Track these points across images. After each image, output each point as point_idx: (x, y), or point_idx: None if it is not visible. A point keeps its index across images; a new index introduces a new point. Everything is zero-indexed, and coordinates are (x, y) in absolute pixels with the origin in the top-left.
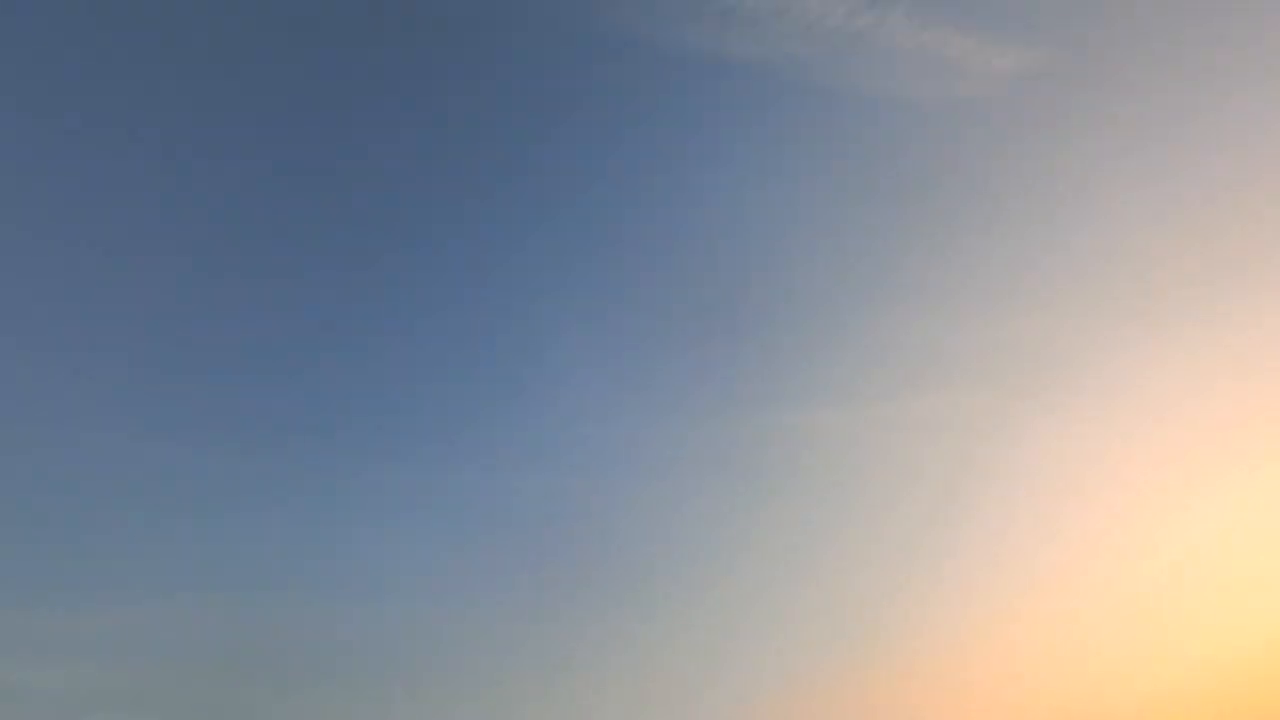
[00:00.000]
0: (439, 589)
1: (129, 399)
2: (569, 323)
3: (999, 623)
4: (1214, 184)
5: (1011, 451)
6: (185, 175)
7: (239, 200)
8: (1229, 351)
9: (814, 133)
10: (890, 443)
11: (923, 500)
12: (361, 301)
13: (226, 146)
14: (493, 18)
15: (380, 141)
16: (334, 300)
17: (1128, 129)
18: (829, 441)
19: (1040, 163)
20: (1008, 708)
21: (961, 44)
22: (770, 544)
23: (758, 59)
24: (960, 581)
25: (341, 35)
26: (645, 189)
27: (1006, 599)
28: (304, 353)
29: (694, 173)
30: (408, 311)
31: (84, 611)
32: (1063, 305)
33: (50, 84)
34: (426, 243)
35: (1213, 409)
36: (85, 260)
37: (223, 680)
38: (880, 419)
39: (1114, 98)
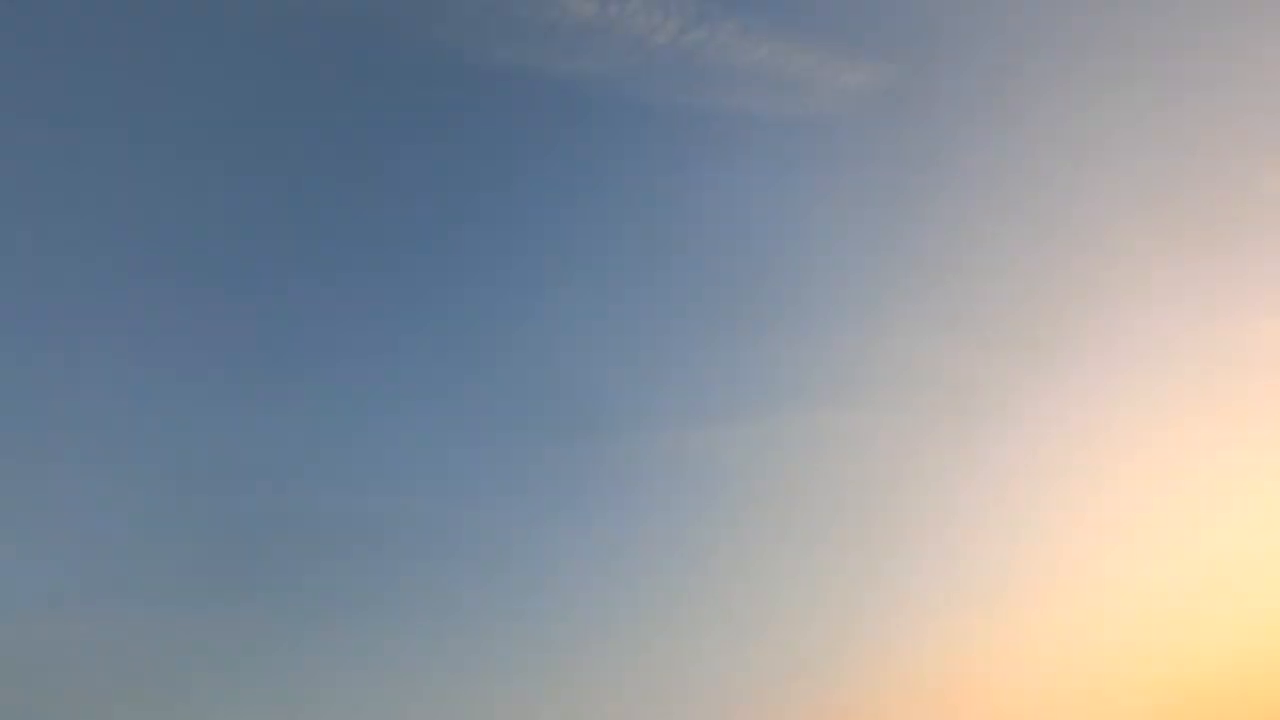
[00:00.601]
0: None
1: None
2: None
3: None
4: (1067, 195)
5: (894, 468)
6: None
7: None
8: (1114, 364)
9: (650, 150)
10: (773, 458)
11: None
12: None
13: None
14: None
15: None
16: None
17: (981, 144)
18: (714, 456)
19: (896, 175)
20: None
21: (810, 60)
22: (679, 561)
23: (584, 75)
24: (876, 597)
25: None
26: (474, 206)
27: (933, 615)
28: None
29: (533, 191)
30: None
31: None
32: (927, 321)
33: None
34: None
35: (1098, 429)
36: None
37: None
38: (760, 435)
39: (965, 114)
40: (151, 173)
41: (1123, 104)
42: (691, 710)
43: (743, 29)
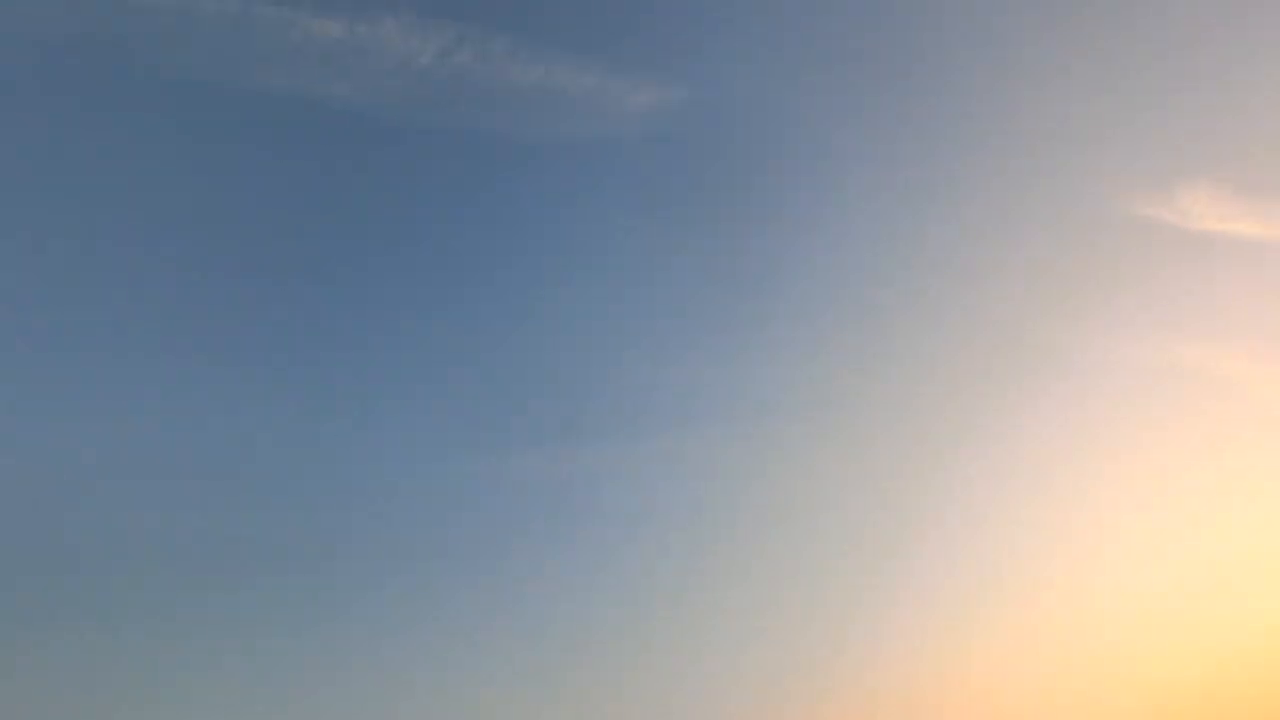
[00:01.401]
0: None
1: None
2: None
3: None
4: (864, 206)
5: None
6: None
7: None
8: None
9: (427, 176)
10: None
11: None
12: None
13: None
14: None
15: None
16: None
17: (770, 163)
18: (589, 480)
19: (686, 195)
20: None
21: (591, 81)
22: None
23: (342, 100)
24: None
25: None
26: (233, 238)
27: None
28: None
29: (299, 223)
30: None
31: None
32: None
33: None
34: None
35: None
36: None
37: None
38: (634, 457)
39: (758, 132)
40: None
41: (922, 118)
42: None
43: (511, 50)
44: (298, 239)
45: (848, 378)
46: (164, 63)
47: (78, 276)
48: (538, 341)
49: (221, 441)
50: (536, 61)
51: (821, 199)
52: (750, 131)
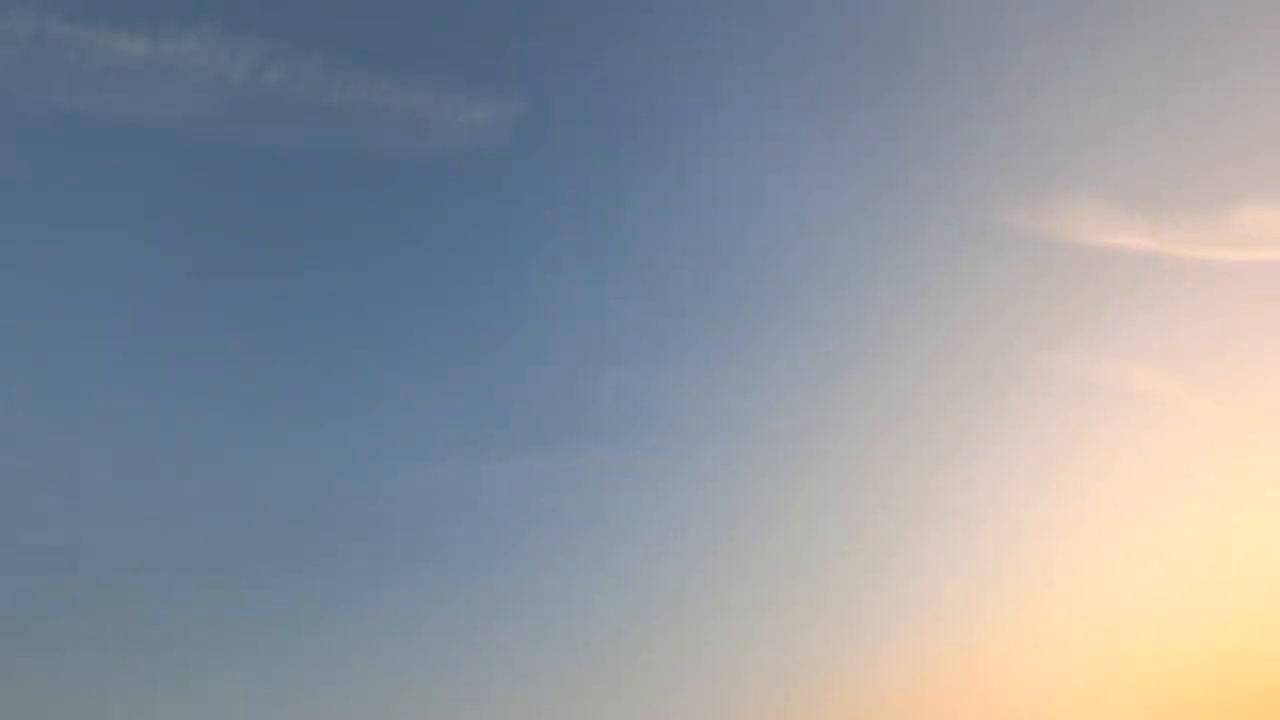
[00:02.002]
0: None
1: None
2: None
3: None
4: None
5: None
6: None
7: None
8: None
9: (256, 192)
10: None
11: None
12: None
13: None
14: None
15: None
16: None
17: (612, 179)
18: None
19: (523, 210)
20: None
21: (422, 98)
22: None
23: (154, 119)
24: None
25: None
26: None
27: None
28: None
29: (117, 245)
30: None
31: None
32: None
33: None
34: None
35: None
36: None
37: None
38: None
39: (595, 148)
40: None
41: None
42: None
43: (329, 66)
44: (107, 262)
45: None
46: None
47: None
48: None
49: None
50: (359, 77)
51: (664, 211)
52: (589, 147)
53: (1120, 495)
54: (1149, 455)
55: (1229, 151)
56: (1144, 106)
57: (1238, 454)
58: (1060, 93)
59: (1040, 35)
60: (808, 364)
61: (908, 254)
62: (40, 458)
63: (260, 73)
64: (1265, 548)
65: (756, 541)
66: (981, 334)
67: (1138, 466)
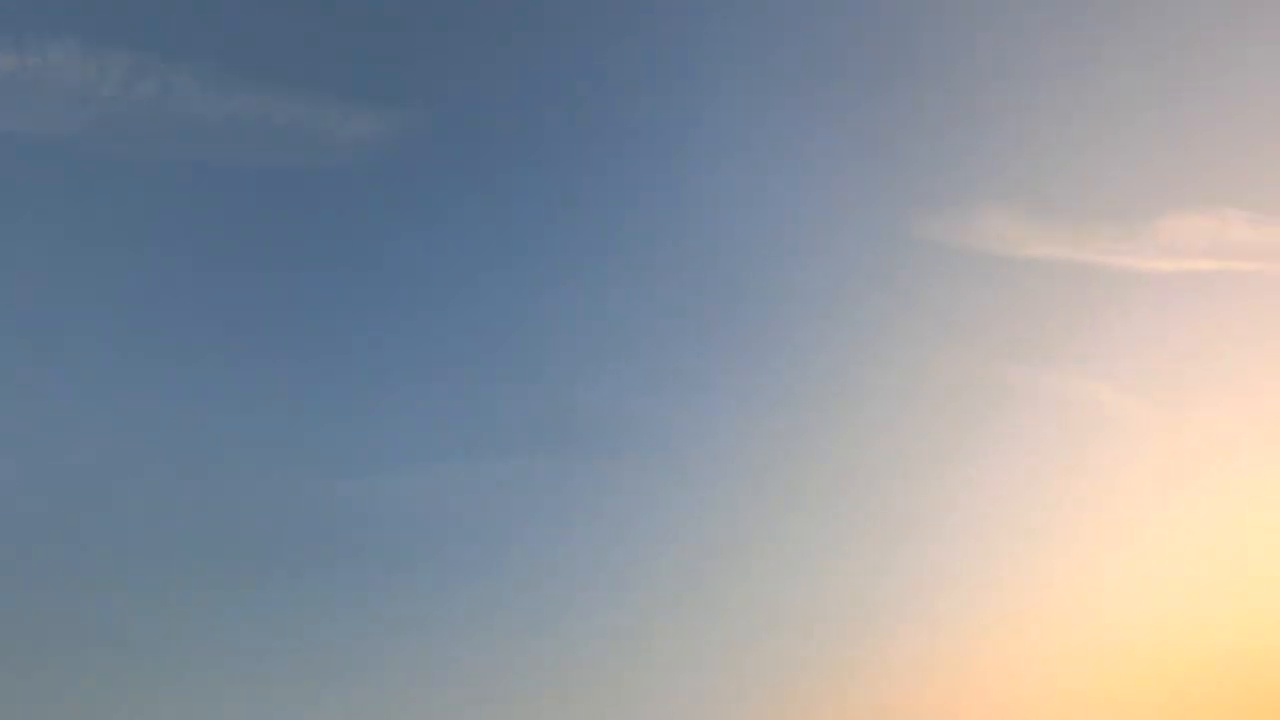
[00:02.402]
0: None
1: None
2: None
3: None
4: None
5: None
6: None
7: None
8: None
9: (118, 203)
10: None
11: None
12: None
13: None
14: None
15: None
16: None
17: (500, 193)
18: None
19: (404, 223)
20: None
21: (299, 110)
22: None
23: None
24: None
25: None
26: None
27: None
28: None
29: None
30: None
31: None
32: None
33: None
34: None
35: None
36: None
37: None
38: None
39: (481, 161)
40: None
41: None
42: None
43: (201, 78)
44: None
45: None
46: None
47: None
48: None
49: None
50: (233, 90)
51: (556, 220)
52: (471, 160)
53: (1061, 501)
54: (1086, 462)
55: (1157, 162)
56: (1073, 118)
57: (1177, 459)
58: (987, 104)
59: (965, 46)
60: (736, 370)
61: (836, 267)
62: None
63: (131, 86)
64: (1206, 550)
65: (732, 549)
66: (915, 345)
67: (1076, 473)
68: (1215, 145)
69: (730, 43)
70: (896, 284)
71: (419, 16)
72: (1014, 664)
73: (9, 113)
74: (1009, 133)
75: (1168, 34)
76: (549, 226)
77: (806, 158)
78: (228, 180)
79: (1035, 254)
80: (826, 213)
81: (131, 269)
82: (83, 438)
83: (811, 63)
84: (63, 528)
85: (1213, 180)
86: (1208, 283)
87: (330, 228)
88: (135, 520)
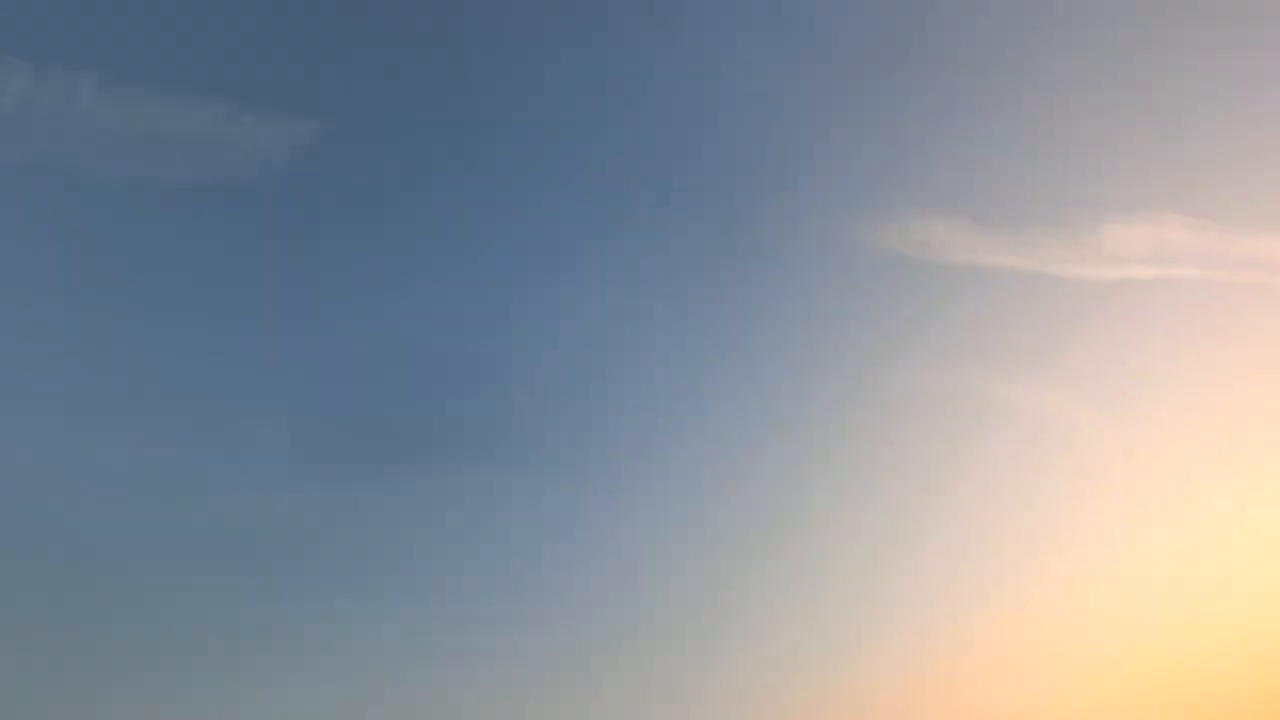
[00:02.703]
0: None
1: None
2: None
3: None
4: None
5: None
6: None
7: None
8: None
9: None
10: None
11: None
12: None
13: None
14: None
15: None
16: None
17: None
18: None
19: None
20: None
21: (215, 120)
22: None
23: None
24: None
25: None
26: None
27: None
28: None
29: None
30: None
31: None
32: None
33: None
34: None
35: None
36: None
37: None
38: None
39: (401, 167)
40: None
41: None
42: None
43: (102, 88)
44: None
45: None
46: None
47: None
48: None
49: None
50: (135, 99)
51: (478, 229)
52: (392, 166)
53: (992, 507)
54: (1034, 465)
55: (1100, 169)
56: (1014, 125)
57: (1126, 464)
58: (928, 111)
59: (907, 55)
60: (677, 378)
61: (778, 275)
62: None
63: (31, 97)
64: (1144, 554)
65: (667, 569)
66: (851, 352)
67: (1024, 477)
68: (1157, 152)
69: (670, 47)
70: (838, 291)
71: (326, 20)
72: (979, 677)
73: None
74: (950, 140)
75: (1107, 42)
76: (470, 236)
77: (749, 166)
78: (131, 194)
79: (976, 262)
80: (769, 221)
81: (26, 286)
82: None
83: (754, 71)
84: None
85: (1154, 187)
86: (1150, 290)
87: (239, 241)
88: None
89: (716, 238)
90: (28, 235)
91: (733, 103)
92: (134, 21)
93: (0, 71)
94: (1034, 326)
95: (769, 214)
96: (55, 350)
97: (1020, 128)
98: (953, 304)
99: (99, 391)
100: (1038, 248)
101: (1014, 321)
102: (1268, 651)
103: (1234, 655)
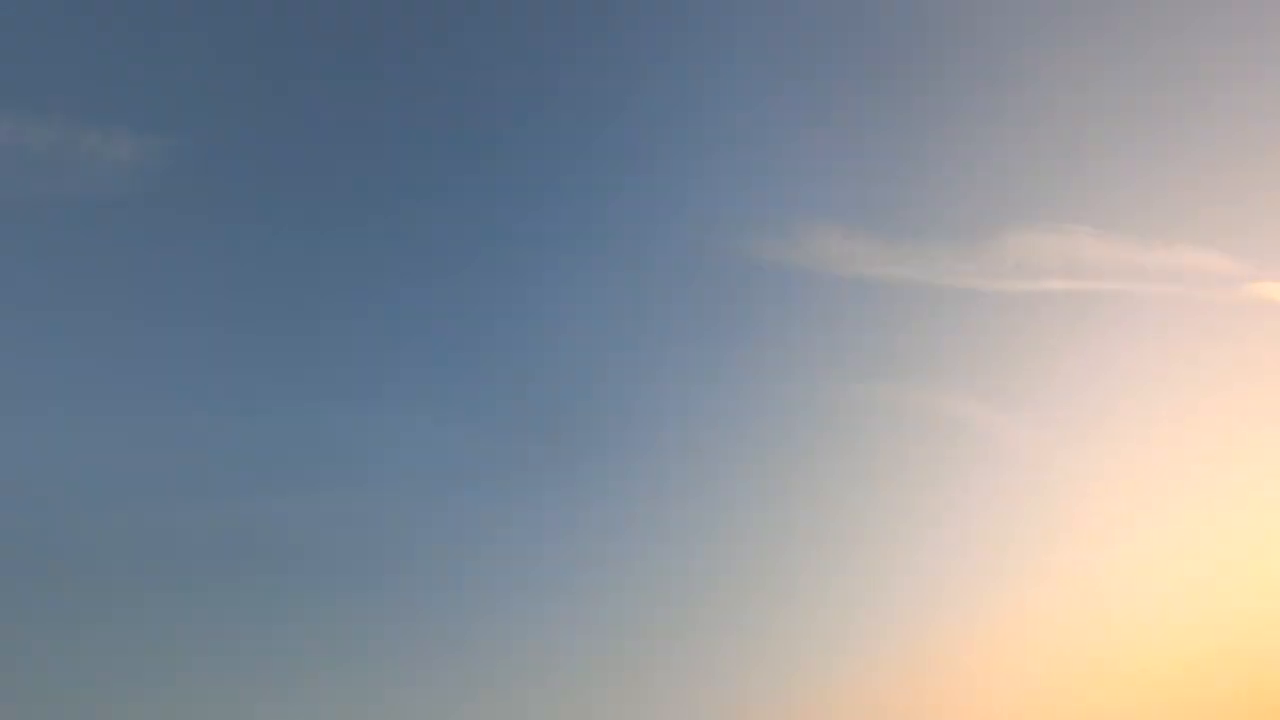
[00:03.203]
0: None
1: None
2: None
3: None
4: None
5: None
6: None
7: None
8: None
9: None
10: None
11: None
12: None
13: None
14: None
15: None
16: None
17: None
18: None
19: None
20: None
21: (59, 135)
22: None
23: None
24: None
25: None
26: None
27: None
28: None
29: None
30: None
31: None
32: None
33: None
34: None
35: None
36: None
37: None
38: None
39: (257, 183)
40: None
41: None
42: None
43: None
44: None
45: None
46: None
47: None
48: None
49: None
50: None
51: (352, 247)
52: (249, 182)
53: (914, 510)
54: (940, 473)
55: (1004, 179)
56: (914, 135)
57: (1037, 473)
58: (825, 122)
59: (805, 64)
60: (579, 396)
61: (671, 290)
62: None
63: None
64: (1064, 559)
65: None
66: (753, 367)
67: (931, 485)
68: (1062, 162)
69: (573, 60)
70: (731, 304)
71: (183, 35)
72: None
73: None
74: (847, 150)
75: (1012, 51)
76: (342, 254)
77: (640, 178)
78: None
79: (876, 274)
80: (660, 235)
81: None
82: None
83: (649, 83)
84: None
85: (1060, 198)
86: (1059, 301)
87: (94, 260)
88: None
89: (607, 254)
90: None
91: (627, 114)
92: None
93: None
94: (939, 337)
95: (659, 228)
96: None
97: (920, 137)
98: (851, 316)
99: None
100: (938, 258)
101: (917, 332)
102: (1234, 658)
103: (1196, 662)
